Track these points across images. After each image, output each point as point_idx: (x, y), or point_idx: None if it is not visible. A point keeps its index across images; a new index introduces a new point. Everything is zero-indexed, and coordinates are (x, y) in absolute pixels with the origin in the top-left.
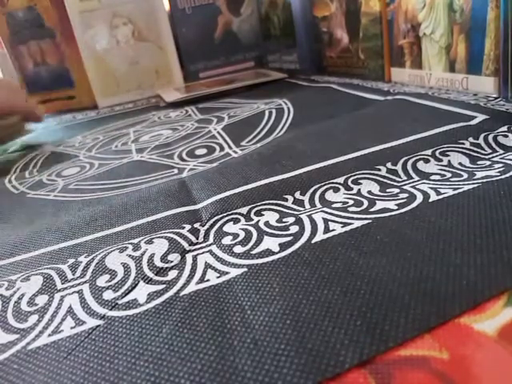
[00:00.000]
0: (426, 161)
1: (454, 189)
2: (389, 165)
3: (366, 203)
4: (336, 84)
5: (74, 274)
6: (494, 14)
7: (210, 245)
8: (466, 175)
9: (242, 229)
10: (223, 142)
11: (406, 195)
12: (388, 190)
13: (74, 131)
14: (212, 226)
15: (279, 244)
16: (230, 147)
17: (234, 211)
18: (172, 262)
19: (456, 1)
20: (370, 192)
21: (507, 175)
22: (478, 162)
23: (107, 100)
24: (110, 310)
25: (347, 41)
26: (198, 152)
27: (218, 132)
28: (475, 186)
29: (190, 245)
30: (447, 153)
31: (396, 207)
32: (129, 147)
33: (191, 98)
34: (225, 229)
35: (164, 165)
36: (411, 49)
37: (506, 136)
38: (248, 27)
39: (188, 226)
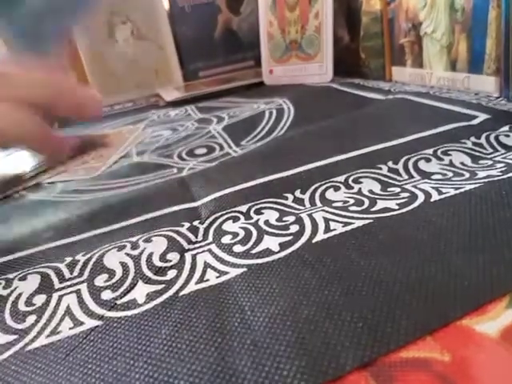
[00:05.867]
0: (428, 160)
1: (456, 188)
2: (390, 164)
3: (366, 202)
4: (336, 83)
5: (71, 273)
6: (496, 14)
7: (209, 244)
8: (467, 175)
9: (242, 227)
10: (223, 141)
11: (407, 194)
12: (389, 189)
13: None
14: (211, 224)
15: (279, 243)
16: (230, 147)
17: (234, 209)
18: (171, 261)
19: (457, 0)
20: (371, 191)
21: (509, 175)
22: (480, 162)
23: (106, 99)
24: (109, 310)
25: (348, 40)
26: (198, 151)
27: (218, 132)
28: (477, 185)
29: (189, 243)
30: (449, 152)
31: (397, 207)
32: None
33: (191, 97)
34: (224, 227)
35: (163, 164)
36: (412, 48)
37: (508, 136)
38: (248, 26)
39: (187, 224)
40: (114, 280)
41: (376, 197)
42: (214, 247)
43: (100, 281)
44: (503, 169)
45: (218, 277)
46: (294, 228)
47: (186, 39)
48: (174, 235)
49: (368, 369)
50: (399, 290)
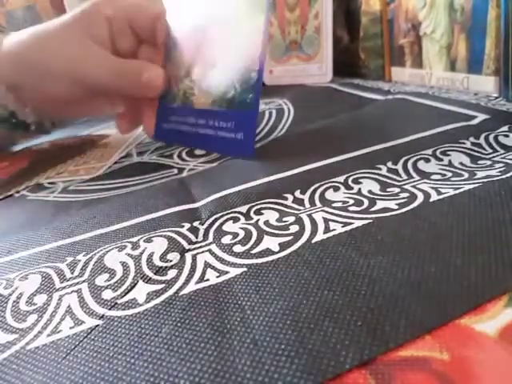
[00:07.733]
0: (427, 160)
1: (455, 188)
2: (389, 164)
3: (366, 203)
4: (336, 84)
5: (72, 273)
6: (495, 14)
7: (209, 244)
8: (466, 175)
9: (242, 228)
10: None
11: (406, 195)
12: (388, 190)
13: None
14: (211, 224)
15: (279, 244)
16: None
17: (234, 210)
18: (171, 261)
19: (456, 0)
20: (370, 191)
21: (508, 175)
22: (479, 162)
23: None
24: (109, 309)
25: (347, 40)
26: (198, 152)
27: None
28: (476, 185)
29: (189, 244)
30: (448, 152)
31: (397, 207)
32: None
33: None
34: (224, 228)
35: (164, 165)
36: (412, 48)
37: (507, 136)
38: None
39: (187, 225)
40: (114, 280)
41: (375, 197)
42: (214, 247)
43: (101, 280)
44: (502, 169)
45: (218, 276)
46: (294, 228)
47: None
48: (175, 236)
49: (367, 367)
50: (398, 290)
